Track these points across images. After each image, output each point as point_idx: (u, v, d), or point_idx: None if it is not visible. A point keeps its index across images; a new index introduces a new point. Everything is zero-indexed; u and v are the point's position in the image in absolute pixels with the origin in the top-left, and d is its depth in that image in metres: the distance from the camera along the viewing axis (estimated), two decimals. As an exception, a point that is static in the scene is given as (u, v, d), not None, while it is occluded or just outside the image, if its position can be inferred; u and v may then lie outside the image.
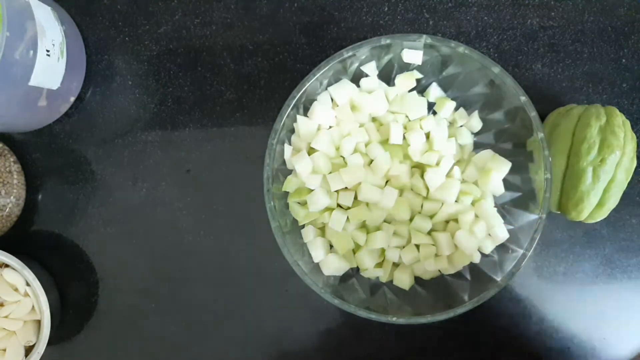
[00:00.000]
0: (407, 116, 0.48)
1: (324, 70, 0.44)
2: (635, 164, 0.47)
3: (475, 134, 0.49)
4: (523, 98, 0.43)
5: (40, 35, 0.44)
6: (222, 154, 0.54)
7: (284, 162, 0.48)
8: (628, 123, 0.47)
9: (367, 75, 0.48)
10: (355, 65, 0.47)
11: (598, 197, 0.46)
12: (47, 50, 0.45)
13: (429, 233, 0.46)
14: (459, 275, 0.48)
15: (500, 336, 0.54)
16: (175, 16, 0.54)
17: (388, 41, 0.44)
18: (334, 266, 0.47)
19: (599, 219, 0.48)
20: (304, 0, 0.53)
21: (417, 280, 0.49)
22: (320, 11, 0.53)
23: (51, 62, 0.46)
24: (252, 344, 0.54)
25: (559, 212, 0.49)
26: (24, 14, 0.43)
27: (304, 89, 0.44)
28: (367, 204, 0.46)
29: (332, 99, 0.47)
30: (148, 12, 0.54)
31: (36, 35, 0.43)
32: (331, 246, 0.48)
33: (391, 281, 0.48)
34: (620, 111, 0.47)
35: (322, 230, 0.48)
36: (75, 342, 0.54)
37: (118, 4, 0.54)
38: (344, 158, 0.47)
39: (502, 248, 0.46)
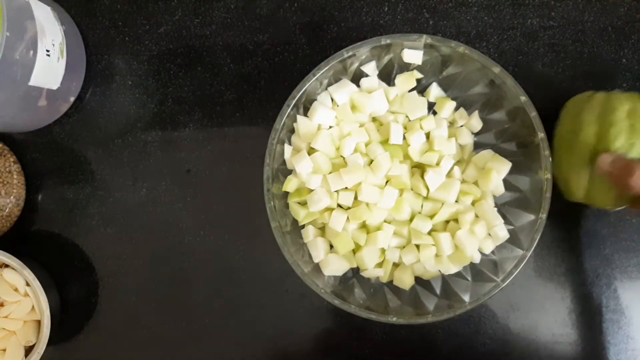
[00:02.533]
0: (407, 116, 0.48)
1: (324, 70, 0.44)
2: None
3: (476, 134, 0.49)
4: (523, 98, 0.43)
5: (40, 35, 0.44)
6: (222, 154, 0.54)
7: (284, 162, 0.48)
8: None
9: (367, 75, 0.48)
10: (356, 65, 0.47)
11: None
12: (47, 50, 0.45)
13: (429, 233, 0.46)
14: (459, 275, 0.48)
15: (500, 336, 0.54)
16: (175, 16, 0.54)
17: (388, 41, 0.44)
18: (334, 266, 0.47)
19: (624, 206, 0.47)
20: (304, 0, 0.53)
21: (417, 280, 0.49)
22: (320, 11, 0.53)
23: (51, 62, 0.46)
24: (252, 344, 0.54)
25: (584, 202, 0.48)
26: (24, 14, 0.43)
27: (304, 89, 0.44)
28: (367, 204, 0.46)
29: (332, 99, 0.47)
30: (148, 12, 0.54)
31: (36, 35, 0.43)
32: (331, 246, 0.48)
33: (391, 281, 0.48)
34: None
35: (322, 230, 0.48)
36: (75, 342, 0.54)
37: (118, 4, 0.54)
38: (344, 158, 0.47)
39: (502, 248, 0.46)
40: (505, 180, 0.47)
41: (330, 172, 0.46)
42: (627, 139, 0.44)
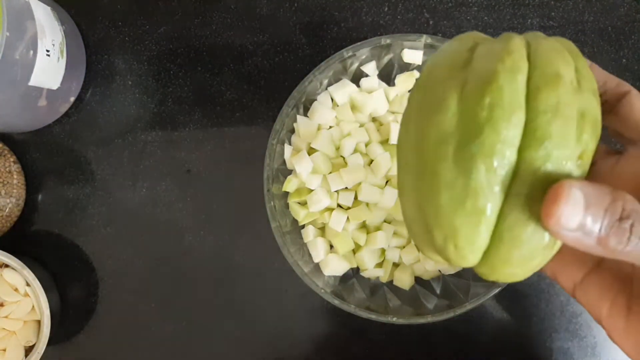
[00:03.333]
0: (407, 116, 0.48)
1: (324, 70, 0.44)
2: None
3: (476, 134, 0.49)
4: (523, 98, 0.43)
5: (40, 35, 0.44)
6: (222, 154, 0.54)
7: (284, 162, 0.48)
8: None
9: (367, 75, 0.48)
10: (356, 65, 0.47)
11: None
12: (47, 50, 0.45)
13: (429, 233, 0.46)
14: (459, 275, 0.48)
15: (500, 336, 0.54)
16: (176, 16, 0.54)
17: (388, 41, 0.44)
18: (334, 266, 0.47)
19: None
20: (304, 0, 0.53)
21: (417, 280, 0.49)
22: (320, 11, 0.53)
23: (51, 62, 0.46)
24: (252, 344, 0.54)
25: (477, 271, 0.26)
26: (24, 14, 0.43)
27: (304, 89, 0.44)
28: (367, 204, 0.46)
29: (332, 99, 0.47)
30: (148, 12, 0.54)
31: (36, 35, 0.43)
32: (331, 246, 0.48)
33: (391, 281, 0.48)
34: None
35: (322, 230, 0.48)
36: (75, 342, 0.54)
37: (118, 4, 0.54)
38: (344, 158, 0.47)
39: (502, 248, 0.46)
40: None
41: (330, 172, 0.46)
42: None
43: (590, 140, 0.22)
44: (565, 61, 0.23)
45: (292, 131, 0.48)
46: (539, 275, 0.53)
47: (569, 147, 0.21)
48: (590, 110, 0.22)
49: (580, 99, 0.22)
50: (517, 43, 0.23)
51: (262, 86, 0.53)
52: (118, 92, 0.54)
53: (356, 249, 0.47)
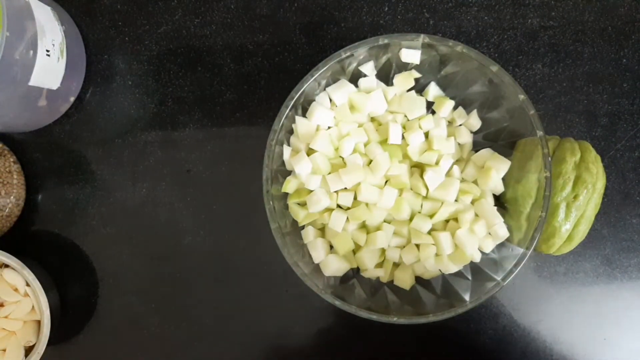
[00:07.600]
0: (405, 116, 0.48)
1: (322, 70, 0.44)
2: (601, 199, 0.47)
3: (474, 133, 0.49)
4: (521, 96, 0.43)
5: (40, 35, 0.44)
6: (222, 154, 0.54)
7: (283, 163, 0.48)
8: (599, 158, 0.47)
9: (365, 75, 0.48)
10: (354, 65, 0.47)
11: (569, 232, 0.47)
12: (47, 50, 0.45)
13: (429, 232, 0.46)
14: (459, 274, 0.48)
15: (500, 336, 0.54)
16: (175, 16, 0.54)
17: (386, 41, 0.44)
18: (334, 267, 0.47)
19: (565, 252, 0.49)
20: (304, 0, 0.53)
21: (418, 280, 0.48)
22: (320, 11, 0.53)
23: (51, 62, 0.46)
24: (252, 344, 0.54)
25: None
26: (24, 14, 0.43)
27: (302, 90, 0.44)
28: (367, 204, 0.46)
29: (330, 100, 0.47)
30: (148, 12, 0.54)
31: (36, 35, 0.44)
32: (331, 247, 0.48)
33: (392, 281, 0.48)
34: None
35: (322, 231, 0.48)
36: (75, 342, 0.54)
37: (118, 4, 0.54)
38: (343, 158, 0.47)
39: (502, 247, 0.46)
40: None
41: (329, 173, 0.46)
42: (572, 191, 0.45)
43: (581, 190, 0.45)
44: (572, 152, 0.46)
45: (291, 132, 0.48)
46: (539, 276, 0.53)
47: (566, 191, 0.45)
48: (586, 177, 0.45)
49: (578, 170, 0.45)
50: (551, 144, 0.47)
51: (262, 86, 0.54)
52: (118, 92, 0.54)
53: (356, 249, 0.47)
